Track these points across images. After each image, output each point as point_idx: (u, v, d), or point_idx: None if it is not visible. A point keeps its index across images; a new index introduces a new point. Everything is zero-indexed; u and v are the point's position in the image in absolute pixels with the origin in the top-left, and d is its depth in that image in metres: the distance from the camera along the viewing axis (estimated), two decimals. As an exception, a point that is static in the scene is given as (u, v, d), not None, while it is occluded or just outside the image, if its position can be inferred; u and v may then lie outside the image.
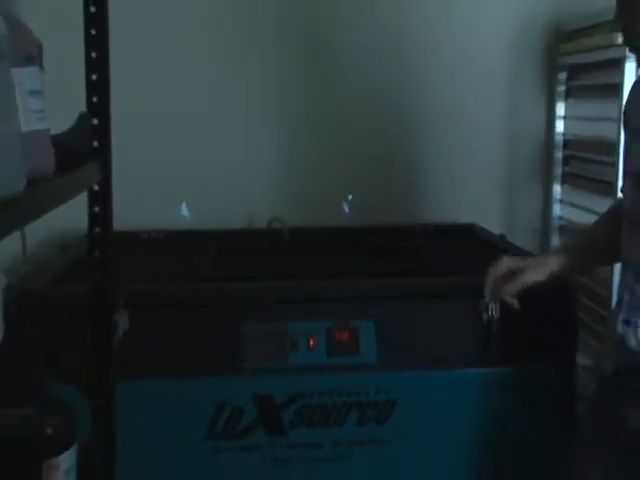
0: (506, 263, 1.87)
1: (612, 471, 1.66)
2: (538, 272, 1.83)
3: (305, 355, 1.96)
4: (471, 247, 2.60)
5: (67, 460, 1.19)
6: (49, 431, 1.18)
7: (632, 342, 1.59)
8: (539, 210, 2.88)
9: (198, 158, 2.67)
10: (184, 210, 2.69)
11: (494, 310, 1.97)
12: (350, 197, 2.77)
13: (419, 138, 2.80)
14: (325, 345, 1.97)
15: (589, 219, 2.54)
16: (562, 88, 2.77)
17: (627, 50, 1.81)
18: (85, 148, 1.39)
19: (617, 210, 1.76)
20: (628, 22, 1.59)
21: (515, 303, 1.82)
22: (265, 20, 2.69)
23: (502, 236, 2.61)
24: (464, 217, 2.77)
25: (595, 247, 1.93)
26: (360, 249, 2.60)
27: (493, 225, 2.69)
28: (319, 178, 2.75)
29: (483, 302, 1.97)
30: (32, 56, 1.11)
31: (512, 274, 1.83)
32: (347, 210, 2.77)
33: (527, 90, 2.83)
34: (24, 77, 1.08)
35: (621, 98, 2.15)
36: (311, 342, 1.96)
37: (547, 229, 2.84)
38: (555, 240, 2.83)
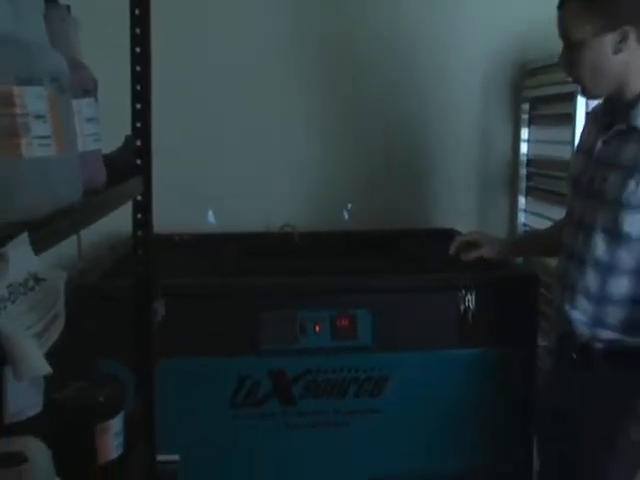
0: (467, 237, 2.12)
1: (560, 429, 1.70)
2: (490, 250, 2.05)
3: (312, 339, 1.97)
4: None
5: (116, 424, 1.20)
6: (101, 399, 1.19)
7: (567, 310, 1.65)
8: (507, 218, 2.87)
9: (224, 175, 2.66)
10: (211, 217, 2.71)
11: (470, 302, 1.99)
12: (349, 206, 2.78)
13: (411, 159, 2.79)
14: (329, 330, 1.97)
15: (548, 225, 2.56)
16: (526, 116, 2.76)
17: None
18: (130, 165, 1.39)
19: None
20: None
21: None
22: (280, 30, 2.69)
23: (476, 240, 2.62)
24: (445, 223, 2.76)
25: (540, 241, 2.13)
26: (357, 250, 2.60)
27: (469, 230, 2.69)
28: (323, 191, 2.75)
29: (460, 295, 1.99)
30: (88, 90, 1.12)
31: (471, 245, 2.06)
32: (346, 217, 2.78)
33: (497, 118, 2.82)
34: (82, 107, 1.09)
35: (574, 126, 2.14)
36: (317, 328, 1.97)
37: (513, 234, 2.83)
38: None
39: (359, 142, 2.77)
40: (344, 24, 2.70)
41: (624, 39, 1.51)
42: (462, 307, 1.98)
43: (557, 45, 1.84)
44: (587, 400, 1.62)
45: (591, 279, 1.60)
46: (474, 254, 2.04)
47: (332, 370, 1.98)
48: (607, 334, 1.59)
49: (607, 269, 1.57)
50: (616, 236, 1.55)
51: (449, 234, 2.69)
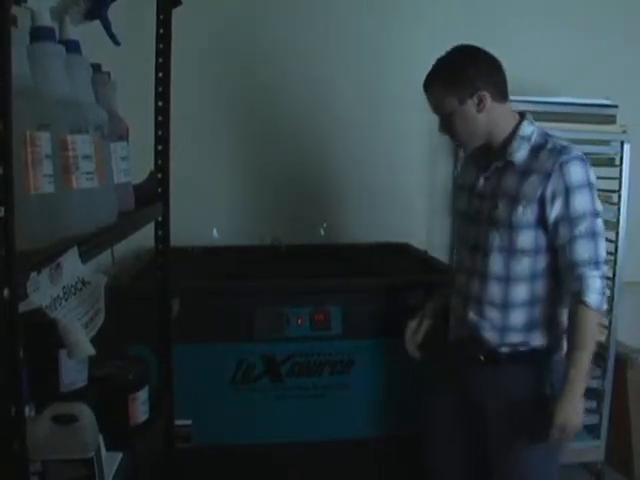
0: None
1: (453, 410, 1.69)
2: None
3: (295, 329, 1.96)
4: (405, 259, 2.61)
5: (143, 395, 1.22)
6: (131, 376, 1.22)
7: (473, 319, 1.60)
8: (448, 234, 2.89)
9: (226, 202, 2.69)
10: (215, 233, 2.71)
11: (417, 300, 1.97)
12: (325, 225, 2.80)
13: (375, 191, 2.78)
14: (309, 323, 1.97)
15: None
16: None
17: None
18: (153, 193, 1.42)
19: None
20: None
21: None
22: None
23: (425, 252, 2.62)
24: (401, 238, 2.77)
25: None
26: (331, 259, 2.58)
27: (419, 244, 2.72)
28: (304, 213, 2.76)
29: (410, 295, 1.98)
30: (122, 135, 1.15)
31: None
32: (322, 233, 2.78)
33: (441, 159, 2.82)
34: (117, 149, 1.12)
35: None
36: (299, 321, 1.97)
37: (453, 247, 2.85)
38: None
39: (334, 181, 2.79)
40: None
41: (481, 101, 1.52)
42: (411, 304, 1.96)
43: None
44: (493, 390, 1.59)
45: (494, 291, 1.56)
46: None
47: (311, 354, 1.98)
48: (512, 336, 1.56)
49: (506, 281, 1.54)
50: (511, 252, 1.53)
51: (405, 247, 2.71)
